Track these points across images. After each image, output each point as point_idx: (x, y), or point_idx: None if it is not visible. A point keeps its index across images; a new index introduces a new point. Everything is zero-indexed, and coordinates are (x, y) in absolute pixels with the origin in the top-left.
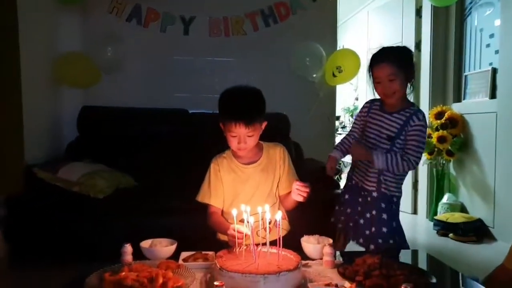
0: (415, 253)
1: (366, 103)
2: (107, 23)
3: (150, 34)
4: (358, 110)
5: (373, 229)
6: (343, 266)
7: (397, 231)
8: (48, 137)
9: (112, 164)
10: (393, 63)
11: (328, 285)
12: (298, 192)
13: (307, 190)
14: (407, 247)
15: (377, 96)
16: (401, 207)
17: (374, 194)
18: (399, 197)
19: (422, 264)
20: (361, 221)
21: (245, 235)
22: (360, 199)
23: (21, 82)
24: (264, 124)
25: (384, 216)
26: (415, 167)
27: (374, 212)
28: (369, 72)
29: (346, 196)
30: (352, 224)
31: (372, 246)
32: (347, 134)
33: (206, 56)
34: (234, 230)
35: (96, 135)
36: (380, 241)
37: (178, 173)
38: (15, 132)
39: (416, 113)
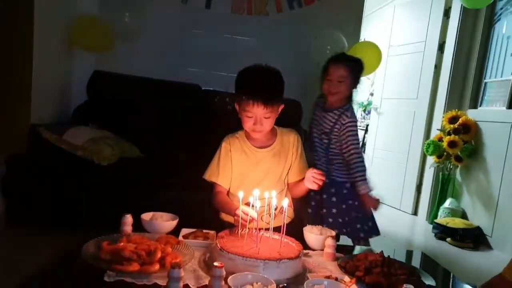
0: (409, 253)
1: (316, 99)
2: None
3: (170, 3)
4: (371, 106)
5: (324, 210)
6: (344, 260)
7: (348, 212)
8: (56, 99)
9: (118, 132)
10: (347, 68)
11: (327, 277)
12: (314, 179)
13: (323, 178)
14: (368, 230)
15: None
16: (402, 207)
17: (327, 180)
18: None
19: (416, 263)
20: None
21: (251, 218)
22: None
23: (33, 41)
24: (281, 108)
25: (334, 199)
26: (363, 157)
27: (324, 196)
28: (324, 69)
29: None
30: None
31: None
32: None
33: (226, 32)
34: (242, 212)
35: (105, 101)
36: (330, 220)
37: (185, 148)
38: (23, 91)
39: (345, 112)
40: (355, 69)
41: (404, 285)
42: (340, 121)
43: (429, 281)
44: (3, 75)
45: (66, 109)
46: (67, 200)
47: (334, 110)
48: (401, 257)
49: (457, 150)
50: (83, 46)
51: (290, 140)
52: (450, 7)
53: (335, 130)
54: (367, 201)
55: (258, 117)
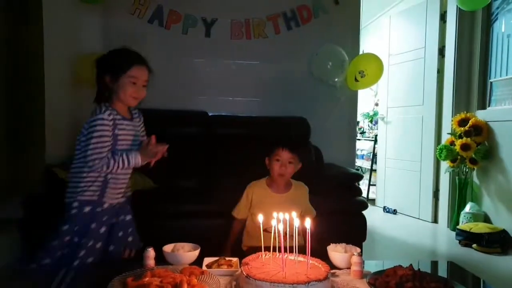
0: (434, 263)
1: (108, 114)
2: (128, 24)
3: (171, 35)
4: (378, 116)
5: (130, 229)
6: (373, 277)
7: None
8: (67, 137)
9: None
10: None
11: None
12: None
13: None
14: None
15: None
16: (421, 216)
17: (122, 199)
18: None
19: (443, 272)
20: (120, 233)
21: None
22: (113, 219)
23: (45, 81)
24: (299, 166)
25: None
26: None
27: (128, 217)
28: (121, 70)
29: (93, 226)
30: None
31: (128, 251)
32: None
33: (227, 58)
34: None
35: None
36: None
37: (197, 175)
38: (37, 132)
39: (138, 112)
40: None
41: None
42: (141, 123)
43: None
44: (16, 118)
45: None
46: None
47: (133, 114)
48: (426, 268)
49: (471, 153)
50: (90, 83)
51: (303, 191)
52: (445, 11)
53: (141, 133)
54: None
55: (285, 160)
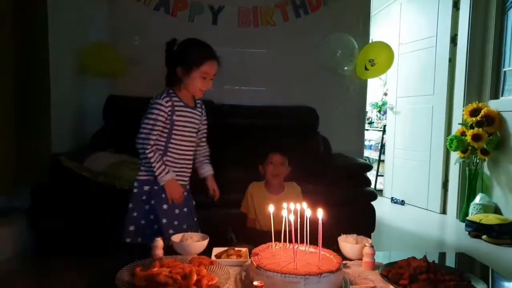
0: (442, 254)
1: (166, 101)
2: (134, 11)
3: (178, 23)
4: (387, 106)
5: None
6: (386, 268)
7: None
8: (73, 126)
9: (136, 155)
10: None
11: None
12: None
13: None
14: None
15: None
16: (429, 207)
17: (188, 186)
18: None
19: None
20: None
21: None
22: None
23: (50, 72)
24: (289, 170)
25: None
26: None
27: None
28: (193, 65)
29: (177, 211)
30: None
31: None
32: (153, 147)
33: (234, 46)
34: None
35: (121, 125)
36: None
37: None
38: (43, 122)
39: (201, 102)
40: None
41: None
42: (203, 114)
43: (480, 285)
44: (23, 107)
45: (84, 136)
46: (94, 227)
47: (197, 106)
48: (435, 259)
49: (482, 143)
50: (96, 73)
51: (296, 190)
52: None
53: (202, 122)
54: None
55: (277, 162)
